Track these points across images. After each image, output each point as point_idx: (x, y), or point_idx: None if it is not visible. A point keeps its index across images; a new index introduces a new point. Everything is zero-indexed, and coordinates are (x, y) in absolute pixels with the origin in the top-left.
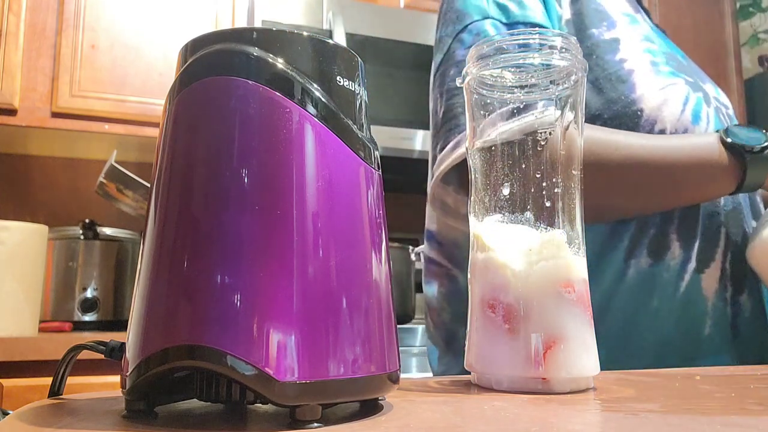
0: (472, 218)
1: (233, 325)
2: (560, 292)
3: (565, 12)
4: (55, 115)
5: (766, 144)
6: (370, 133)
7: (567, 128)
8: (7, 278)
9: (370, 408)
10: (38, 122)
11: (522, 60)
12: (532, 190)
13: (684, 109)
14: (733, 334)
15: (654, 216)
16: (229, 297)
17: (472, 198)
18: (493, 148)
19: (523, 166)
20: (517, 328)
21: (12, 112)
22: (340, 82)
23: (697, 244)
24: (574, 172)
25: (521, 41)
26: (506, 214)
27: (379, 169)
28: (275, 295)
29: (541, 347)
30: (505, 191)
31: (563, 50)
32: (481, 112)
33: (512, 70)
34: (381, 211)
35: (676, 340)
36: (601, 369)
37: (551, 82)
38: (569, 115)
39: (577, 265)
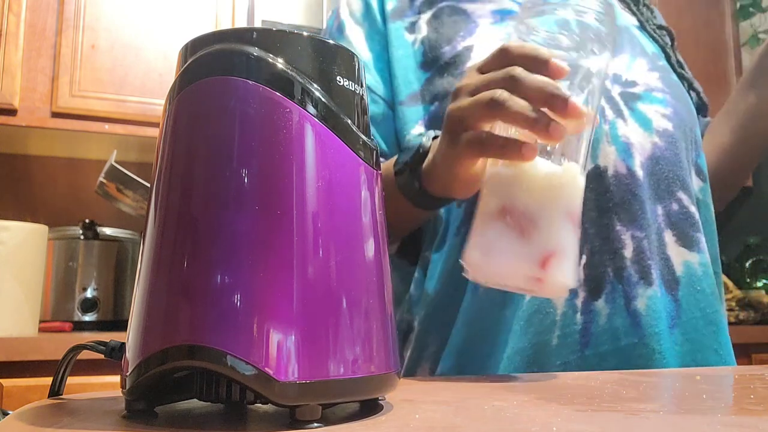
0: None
1: (233, 325)
2: (569, 215)
3: (422, 29)
4: (55, 115)
5: (402, 163)
6: (370, 133)
7: (603, 77)
8: (7, 278)
9: (370, 408)
10: (38, 122)
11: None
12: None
13: None
14: (583, 344)
15: None
16: (229, 297)
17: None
18: None
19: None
20: (529, 233)
21: (12, 112)
22: (340, 82)
23: None
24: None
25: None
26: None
27: (379, 169)
28: (275, 295)
29: (546, 252)
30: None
31: (599, 14)
32: None
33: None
34: (381, 211)
35: (527, 350)
36: (453, 375)
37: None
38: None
39: (580, 194)
